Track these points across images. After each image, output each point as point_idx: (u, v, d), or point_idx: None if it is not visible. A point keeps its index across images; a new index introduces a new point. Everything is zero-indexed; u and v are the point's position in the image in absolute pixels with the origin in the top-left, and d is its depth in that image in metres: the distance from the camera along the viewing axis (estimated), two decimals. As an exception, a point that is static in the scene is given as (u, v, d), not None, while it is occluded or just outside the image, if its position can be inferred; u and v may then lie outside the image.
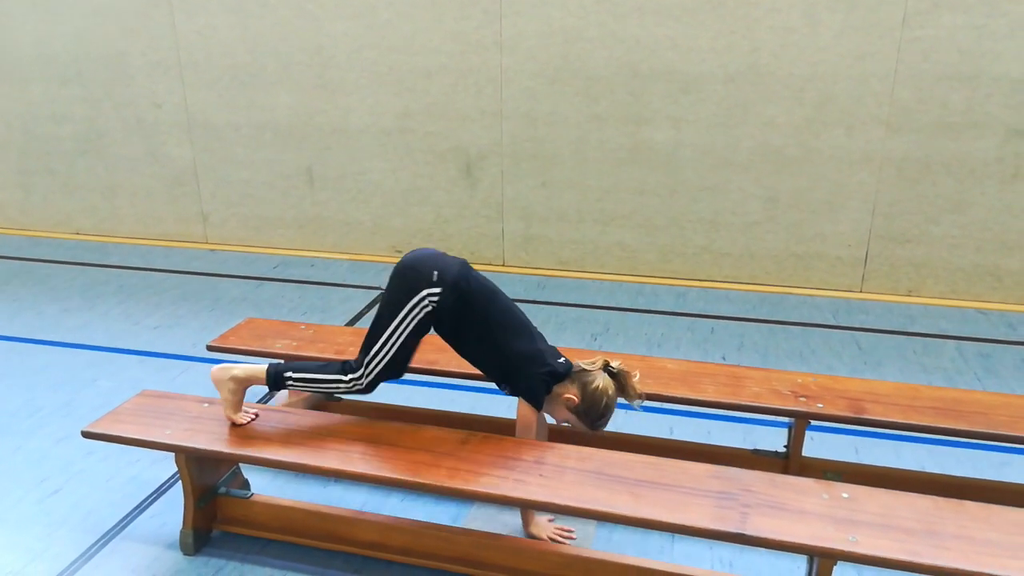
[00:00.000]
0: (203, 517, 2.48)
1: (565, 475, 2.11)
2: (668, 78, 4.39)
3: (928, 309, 4.33)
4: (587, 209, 4.75)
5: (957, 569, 1.78)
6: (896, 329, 4.08)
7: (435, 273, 2.22)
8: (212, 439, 2.32)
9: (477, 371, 2.47)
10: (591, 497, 2.03)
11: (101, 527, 2.59)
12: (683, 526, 1.94)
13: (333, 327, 3.21)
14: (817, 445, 2.87)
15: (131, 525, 2.61)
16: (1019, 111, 4.04)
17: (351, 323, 4.16)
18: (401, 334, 2.25)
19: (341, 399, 3.05)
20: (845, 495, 2.01)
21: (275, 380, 2.35)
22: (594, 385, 2.23)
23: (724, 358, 3.74)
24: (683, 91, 4.40)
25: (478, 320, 2.28)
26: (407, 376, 2.44)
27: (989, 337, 3.97)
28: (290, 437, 2.32)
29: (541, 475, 2.11)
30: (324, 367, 2.35)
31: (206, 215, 5.40)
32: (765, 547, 1.92)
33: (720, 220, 4.58)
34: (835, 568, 1.97)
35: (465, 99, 4.71)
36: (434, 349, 2.69)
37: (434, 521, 2.48)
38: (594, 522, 2.50)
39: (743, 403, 2.54)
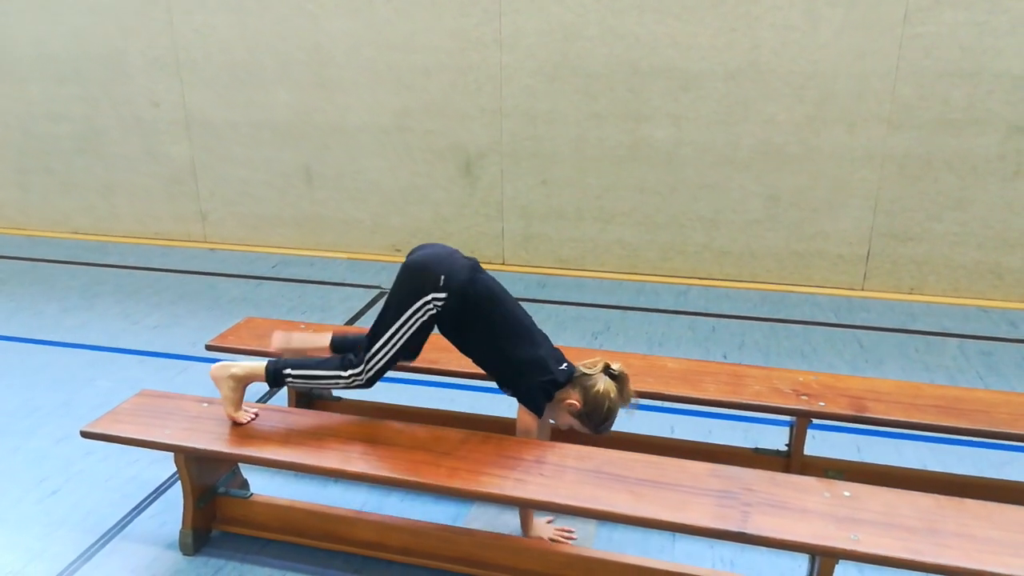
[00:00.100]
0: (202, 517, 2.47)
1: (565, 474, 2.11)
2: (668, 75, 4.38)
3: (930, 307, 4.33)
4: (587, 207, 4.74)
5: (959, 567, 1.77)
6: (898, 327, 4.07)
7: (442, 278, 2.22)
8: (211, 439, 2.31)
9: (477, 370, 2.47)
10: (592, 496, 2.02)
11: (100, 527, 2.59)
12: (684, 525, 1.93)
13: (332, 326, 3.19)
14: (818, 443, 2.87)
15: (130, 525, 2.60)
16: (1020, 108, 4.03)
17: (351, 322, 4.16)
18: (403, 335, 2.25)
19: (340, 399, 3.04)
20: (847, 493, 2.01)
21: (275, 377, 2.35)
22: (595, 389, 2.23)
23: (725, 356, 3.74)
24: (683, 88, 4.39)
25: (482, 325, 2.28)
26: (407, 375, 2.44)
27: (991, 335, 3.97)
28: (289, 437, 2.31)
29: (541, 474, 2.11)
30: (323, 363, 2.35)
31: (204, 214, 5.40)
32: (766, 546, 1.91)
33: (721, 218, 4.58)
34: (836, 567, 1.96)
35: (464, 97, 4.70)
36: (434, 348, 2.67)
37: (434, 521, 2.47)
38: (595, 522, 2.49)
39: (744, 402, 2.53)
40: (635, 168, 4.59)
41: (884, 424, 2.45)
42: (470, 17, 4.53)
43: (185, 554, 2.45)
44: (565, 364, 2.33)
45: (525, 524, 2.36)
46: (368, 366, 2.28)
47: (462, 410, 3.00)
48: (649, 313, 4.27)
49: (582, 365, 2.31)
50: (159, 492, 2.76)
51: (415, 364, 2.48)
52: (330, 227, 5.21)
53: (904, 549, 1.81)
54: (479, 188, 4.87)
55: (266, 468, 2.65)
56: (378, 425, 2.38)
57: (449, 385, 3.34)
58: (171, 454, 2.38)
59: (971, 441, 2.94)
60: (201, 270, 4.97)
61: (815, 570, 2.01)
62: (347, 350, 2.44)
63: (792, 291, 4.54)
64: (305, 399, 2.99)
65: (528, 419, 2.29)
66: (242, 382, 2.36)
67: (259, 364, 2.37)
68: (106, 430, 2.36)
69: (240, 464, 2.57)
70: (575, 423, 2.29)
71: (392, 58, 4.73)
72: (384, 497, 2.71)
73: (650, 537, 2.48)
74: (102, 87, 5.24)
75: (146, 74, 5.14)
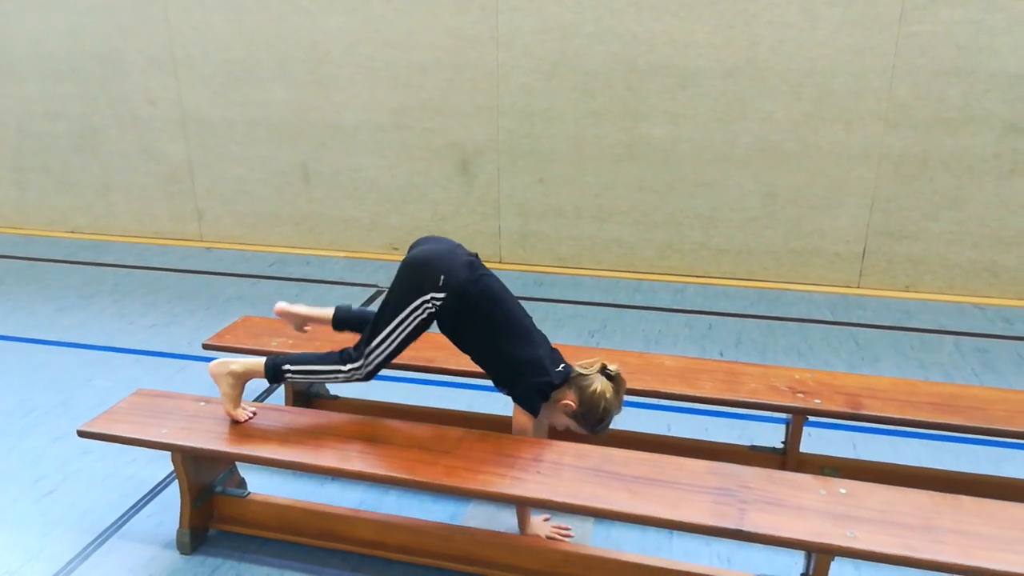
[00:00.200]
0: (200, 516, 2.47)
1: (563, 472, 2.11)
2: (665, 73, 4.38)
3: (925, 305, 4.33)
4: (584, 205, 4.74)
5: (954, 564, 1.78)
6: (893, 325, 4.08)
7: (442, 277, 2.21)
8: (208, 438, 2.31)
9: (475, 369, 2.47)
10: (589, 494, 2.02)
11: (97, 527, 2.59)
12: (681, 522, 1.94)
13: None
14: (815, 441, 2.87)
15: (128, 524, 2.60)
16: (1016, 107, 4.04)
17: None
18: (402, 332, 2.25)
19: (337, 398, 3.04)
20: (843, 491, 2.01)
21: (273, 373, 2.35)
22: (591, 389, 2.23)
23: (722, 354, 3.74)
24: (680, 86, 4.39)
25: (480, 324, 2.29)
26: (405, 374, 2.44)
27: (986, 332, 3.98)
28: (287, 435, 2.31)
29: (539, 472, 2.11)
30: (322, 358, 2.35)
31: (201, 212, 5.39)
32: (763, 543, 1.92)
33: (718, 216, 4.58)
34: (833, 563, 1.97)
35: (461, 95, 4.69)
36: (432, 347, 2.68)
37: (431, 519, 2.48)
38: (591, 519, 2.49)
39: (741, 399, 2.54)
40: (632, 166, 4.59)
41: (880, 421, 2.46)
42: (467, 15, 4.53)
43: (182, 553, 2.45)
44: (562, 365, 2.32)
45: (522, 522, 2.36)
46: (367, 360, 2.28)
47: (460, 408, 3.00)
48: (646, 311, 4.27)
49: (579, 365, 2.31)
50: (156, 491, 2.76)
51: (413, 362, 2.48)
52: (327, 226, 5.20)
53: (900, 546, 1.82)
54: (476, 186, 4.87)
55: (263, 467, 2.65)
56: (376, 424, 2.38)
57: (447, 383, 3.34)
58: (168, 453, 2.38)
59: (967, 438, 2.95)
60: (198, 269, 4.96)
61: (811, 567, 2.02)
62: (350, 325, 2.47)
63: (789, 289, 4.55)
64: (302, 398, 2.99)
65: (524, 419, 2.29)
66: (241, 378, 2.36)
67: (258, 360, 2.37)
68: (103, 429, 2.36)
69: (237, 463, 2.57)
70: (571, 423, 2.29)
71: (389, 56, 4.72)
72: (382, 495, 2.71)
73: (647, 534, 2.49)
74: (99, 85, 5.23)
75: (142, 72, 5.13)
